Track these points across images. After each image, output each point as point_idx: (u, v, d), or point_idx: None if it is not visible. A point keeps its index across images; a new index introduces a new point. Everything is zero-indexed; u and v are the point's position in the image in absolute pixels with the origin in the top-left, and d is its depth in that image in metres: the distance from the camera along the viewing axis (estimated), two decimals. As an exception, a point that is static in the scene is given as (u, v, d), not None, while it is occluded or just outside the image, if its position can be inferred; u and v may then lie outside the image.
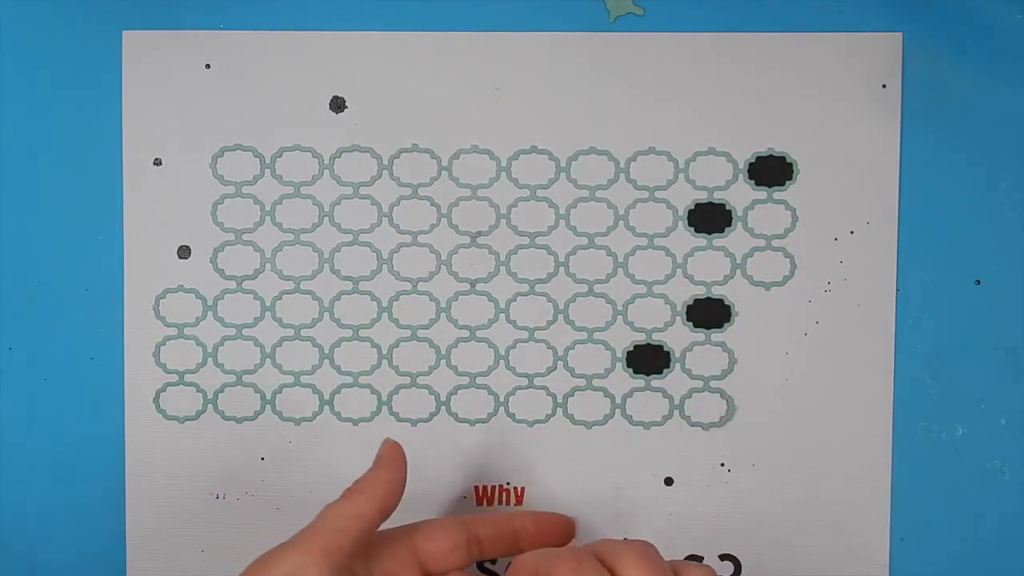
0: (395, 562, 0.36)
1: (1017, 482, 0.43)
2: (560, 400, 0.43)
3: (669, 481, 0.43)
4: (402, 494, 0.37)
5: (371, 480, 0.36)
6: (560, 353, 0.43)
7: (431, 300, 0.43)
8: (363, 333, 0.43)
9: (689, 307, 0.43)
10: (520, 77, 0.43)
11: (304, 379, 0.43)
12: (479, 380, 0.43)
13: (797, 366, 0.43)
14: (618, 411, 0.43)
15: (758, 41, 0.43)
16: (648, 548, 0.33)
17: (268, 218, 0.43)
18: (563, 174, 0.43)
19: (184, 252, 0.43)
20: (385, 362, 0.43)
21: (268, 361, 0.43)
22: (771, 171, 0.43)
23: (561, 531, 0.40)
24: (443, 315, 0.43)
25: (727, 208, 0.43)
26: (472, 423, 0.43)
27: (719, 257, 0.43)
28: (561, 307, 0.43)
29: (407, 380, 0.43)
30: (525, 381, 0.43)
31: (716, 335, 0.43)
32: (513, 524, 0.39)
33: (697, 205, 0.43)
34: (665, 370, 0.43)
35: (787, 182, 0.43)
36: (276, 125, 0.43)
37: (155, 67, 0.43)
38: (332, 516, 0.35)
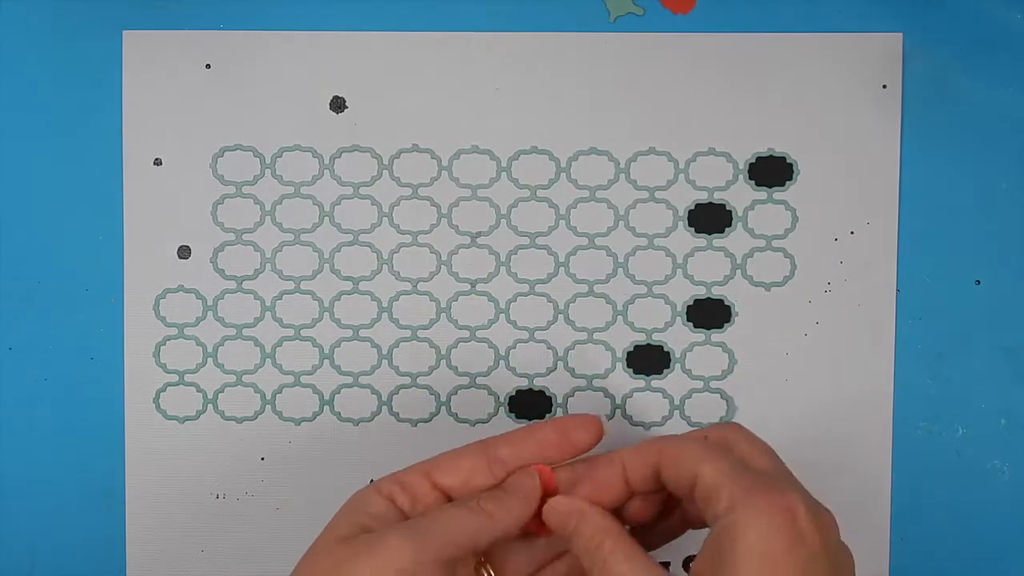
0: (420, 505, 0.34)
1: (1017, 482, 0.43)
2: (560, 400, 0.43)
3: (669, 481, 0.43)
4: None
5: (507, 507, 0.33)
6: (560, 353, 0.43)
7: (431, 300, 0.43)
8: (363, 333, 0.43)
9: (689, 307, 0.43)
10: (520, 77, 0.43)
11: (304, 379, 0.43)
12: (479, 380, 0.43)
13: (797, 366, 0.43)
14: (618, 411, 0.43)
15: (758, 41, 0.42)
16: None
17: (268, 218, 0.43)
18: (563, 174, 0.43)
19: (184, 252, 0.43)
20: (385, 362, 0.43)
21: (268, 361, 0.43)
22: (771, 171, 0.43)
23: (586, 434, 0.35)
24: (443, 315, 0.43)
25: (727, 208, 0.43)
26: (472, 423, 0.43)
27: (719, 257, 0.43)
28: (561, 307, 0.43)
29: (407, 380, 0.43)
30: (525, 381, 0.43)
31: (716, 335, 0.43)
32: (535, 436, 0.35)
33: (697, 205, 0.43)
34: (665, 370, 0.43)
35: (787, 182, 0.43)
36: (276, 125, 0.43)
37: (155, 67, 0.43)
38: (454, 526, 0.32)
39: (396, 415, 0.43)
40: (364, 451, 0.43)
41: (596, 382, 0.43)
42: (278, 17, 0.43)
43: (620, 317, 0.43)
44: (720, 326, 0.43)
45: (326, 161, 0.43)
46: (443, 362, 0.43)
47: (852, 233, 0.43)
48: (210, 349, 0.43)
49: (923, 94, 0.43)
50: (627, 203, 0.43)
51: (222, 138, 0.43)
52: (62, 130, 0.43)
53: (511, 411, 0.43)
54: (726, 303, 0.43)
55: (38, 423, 0.43)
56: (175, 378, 0.43)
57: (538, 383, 0.43)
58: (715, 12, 0.43)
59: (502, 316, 0.43)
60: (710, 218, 0.43)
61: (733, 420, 0.43)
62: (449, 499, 0.34)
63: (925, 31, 0.42)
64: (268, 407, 0.43)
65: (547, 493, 0.35)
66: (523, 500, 0.34)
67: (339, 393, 0.43)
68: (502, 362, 0.43)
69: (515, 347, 0.43)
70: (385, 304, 0.43)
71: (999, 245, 0.43)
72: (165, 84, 0.43)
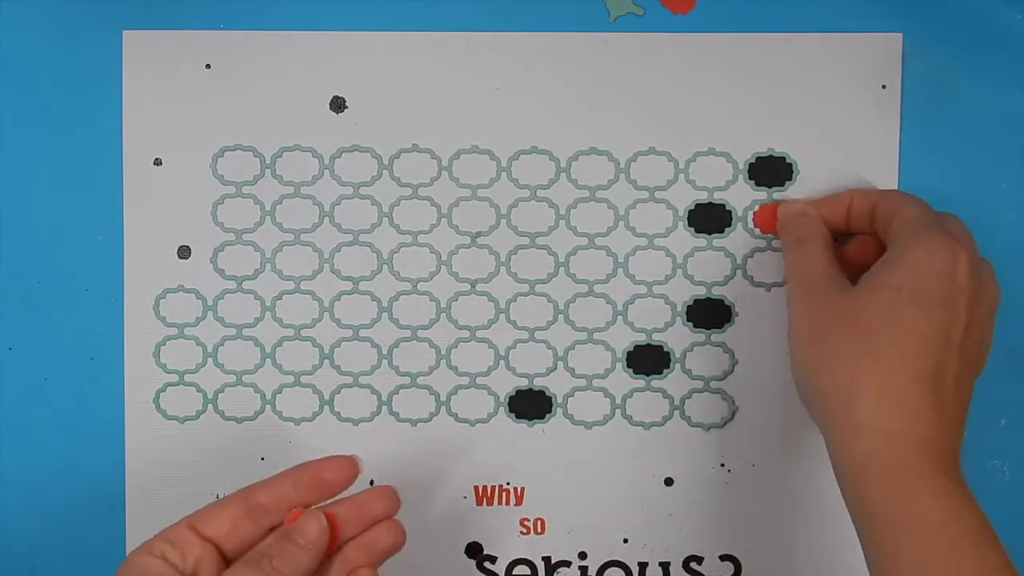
0: (191, 558, 0.34)
1: (1017, 482, 0.43)
2: (560, 400, 0.43)
3: (669, 481, 0.43)
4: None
5: (296, 562, 0.34)
6: (560, 353, 0.43)
7: (431, 300, 0.43)
8: (363, 333, 0.43)
9: (689, 307, 0.43)
10: (520, 77, 0.43)
11: (304, 379, 0.43)
12: (479, 380, 0.43)
13: (797, 366, 0.43)
14: (618, 411, 0.43)
15: (758, 41, 0.42)
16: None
17: (268, 218, 0.43)
18: (563, 174, 0.43)
19: (184, 252, 0.43)
20: (385, 362, 0.43)
21: (268, 361, 0.43)
22: (771, 171, 0.43)
23: (338, 474, 0.36)
24: (443, 315, 0.43)
25: (727, 208, 0.43)
26: (472, 423, 0.43)
27: (719, 257, 0.43)
28: (561, 307, 0.43)
29: (407, 380, 0.43)
30: (525, 381, 0.43)
31: (716, 335, 0.43)
32: (291, 479, 0.36)
33: (697, 205, 0.43)
34: (665, 370, 0.43)
35: (787, 182, 0.43)
36: (276, 125, 0.43)
37: (155, 67, 0.43)
38: None
39: (396, 415, 0.43)
40: (364, 451, 0.43)
41: (596, 382, 0.43)
42: (278, 17, 0.43)
43: (620, 317, 0.43)
44: (720, 326, 0.43)
45: (326, 161, 0.43)
46: (443, 362, 0.43)
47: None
48: (210, 349, 0.43)
49: (923, 94, 0.43)
50: (627, 203, 0.43)
51: (222, 138, 0.43)
52: (62, 130, 0.43)
53: (511, 411, 0.43)
54: (726, 303, 0.43)
55: (38, 423, 0.43)
56: (175, 378, 0.43)
57: (538, 383, 0.43)
58: (715, 12, 0.43)
59: (502, 316, 0.43)
60: (710, 218, 0.43)
61: (733, 420, 0.43)
62: (219, 549, 0.35)
63: (925, 31, 0.42)
64: (268, 407, 0.43)
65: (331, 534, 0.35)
66: (311, 550, 0.34)
67: (339, 393, 0.43)
68: (502, 362, 0.43)
69: (515, 347, 0.43)
70: (385, 304, 0.43)
71: (999, 245, 0.42)
72: (165, 84, 0.43)
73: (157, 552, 0.34)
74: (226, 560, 0.35)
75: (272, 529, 0.35)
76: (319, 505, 0.35)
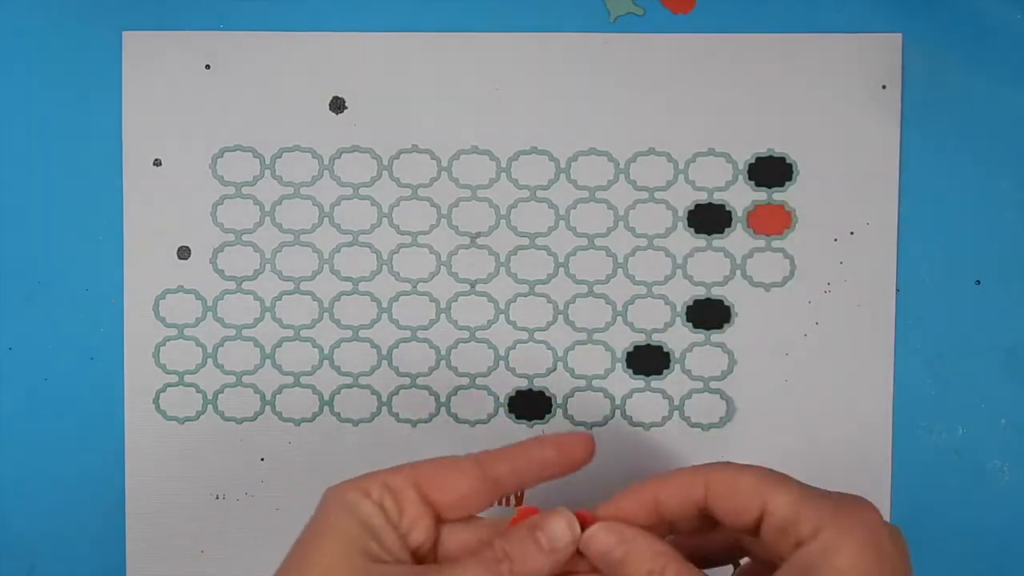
0: (406, 518, 0.31)
1: (1017, 482, 0.43)
2: (560, 401, 0.43)
3: (669, 481, 0.43)
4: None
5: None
6: (560, 354, 0.43)
7: (431, 300, 0.43)
8: (363, 334, 0.43)
9: (689, 308, 0.43)
10: (520, 77, 0.43)
11: (304, 380, 0.43)
12: (479, 381, 0.43)
13: (797, 366, 0.43)
14: (618, 411, 0.43)
15: (758, 41, 0.42)
16: None
17: (268, 219, 0.43)
18: (563, 175, 0.43)
19: (184, 252, 0.43)
20: (385, 362, 0.43)
21: (268, 362, 0.43)
22: (771, 172, 0.43)
23: (582, 450, 0.33)
24: (443, 316, 0.43)
25: (727, 209, 0.43)
26: (472, 424, 0.43)
27: (719, 258, 0.43)
28: (561, 307, 0.43)
29: (407, 380, 0.43)
30: (525, 382, 0.43)
31: (716, 336, 0.43)
32: (532, 455, 0.32)
33: (697, 206, 0.43)
34: (665, 371, 0.43)
35: (787, 183, 0.43)
36: (276, 125, 0.43)
37: (155, 67, 0.43)
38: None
39: (396, 415, 0.43)
40: (364, 451, 0.43)
41: (596, 382, 0.43)
42: (278, 17, 0.43)
43: (620, 317, 0.43)
44: (720, 326, 0.43)
45: (326, 162, 0.43)
46: (443, 362, 0.43)
47: (852, 233, 0.43)
48: (210, 350, 0.43)
49: (923, 94, 0.42)
50: (627, 203, 0.43)
51: (222, 138, 0.43)
52: (62, 130, 0.43)
53: (511, 411, 0.43)
54: (726, 303, 0.43)
55: (38, 423, 0.43)
56: (175, 378, 0.43)
57: (538, 383, 0.43)
58: (715, 12, 0.43)
59: (502, 316, 0.43)
60: (710, 218, 0.43)
61: (733, 420, 0.43)
62: (437, 516, 0.31)
63: (925, 31, 0.42)
64: (268, 408, 0.43)
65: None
66: (554, 557, 0.30)
67: (339, 394, 0.43)
68: (502, 362, 0.43)
69: (515, 347, 0.43)
70: (385, 304, 0.43)
71: (999, 245, 0.43)
72: (165, 84, 0.43)
73: (375, 496, 0.30)
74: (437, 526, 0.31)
75: (500, 502, 0.32)
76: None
